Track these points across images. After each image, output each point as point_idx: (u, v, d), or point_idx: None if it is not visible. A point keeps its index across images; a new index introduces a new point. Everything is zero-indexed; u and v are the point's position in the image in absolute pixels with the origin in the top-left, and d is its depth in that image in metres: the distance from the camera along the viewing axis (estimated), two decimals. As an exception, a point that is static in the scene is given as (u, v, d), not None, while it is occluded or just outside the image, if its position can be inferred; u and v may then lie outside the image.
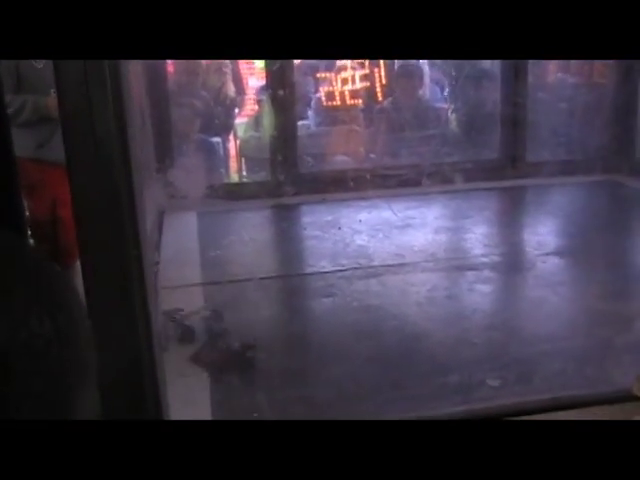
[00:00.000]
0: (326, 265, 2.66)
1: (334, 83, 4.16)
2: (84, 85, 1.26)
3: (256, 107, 4.30)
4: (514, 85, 3.58)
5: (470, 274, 2.57)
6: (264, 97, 3.88)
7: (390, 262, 2.68)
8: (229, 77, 4.29)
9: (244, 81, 4.67)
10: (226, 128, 4.29)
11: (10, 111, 3.46)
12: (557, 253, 2.70)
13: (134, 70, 2.44)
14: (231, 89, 4.30)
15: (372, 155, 4.03)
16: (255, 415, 1.62)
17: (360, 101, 4.16)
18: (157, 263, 2.66)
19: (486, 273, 2.57)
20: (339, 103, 4.15)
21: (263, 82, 3.94)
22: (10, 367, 0.50)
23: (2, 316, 0.51)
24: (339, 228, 2.91)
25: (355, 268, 2.61)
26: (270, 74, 3.63)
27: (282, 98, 3.57)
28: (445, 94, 4.38)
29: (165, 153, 3.39)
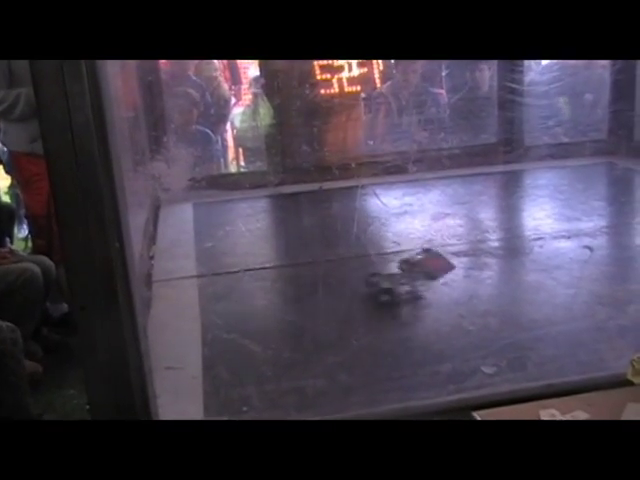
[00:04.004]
0: (321, 254, 2.64)
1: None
2: (60, 76, 1.25)
3: (252, 97, 4.27)
4: (510, 69, 3.54)
5: (467, 260, 2.55)
6: (259, 86, 3.86)
7: (386, 250, 2.66)
8: (225, 66, 4.27)
9: (241, 71, 4.64)
10: (222, 118, 4.27)
11: (4, 106, 3.44)
12: (554, 237, 2.67)
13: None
14: (226, 80, 4.28)
15: (370, 142, 4.00)
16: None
17: (358, 88, 4.11)
18: (152, 257, 2.66)
19: (483, 259, 2.55)
20: (336, 91, 4.11)
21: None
22: None
23: None
24: (329, 217, 2.90)
25: (350, 257, 2.59)
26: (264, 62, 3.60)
27: (277, 87, 3.54)
28: (442, 78, 4.34)
29: (160, 145, 3.37)
